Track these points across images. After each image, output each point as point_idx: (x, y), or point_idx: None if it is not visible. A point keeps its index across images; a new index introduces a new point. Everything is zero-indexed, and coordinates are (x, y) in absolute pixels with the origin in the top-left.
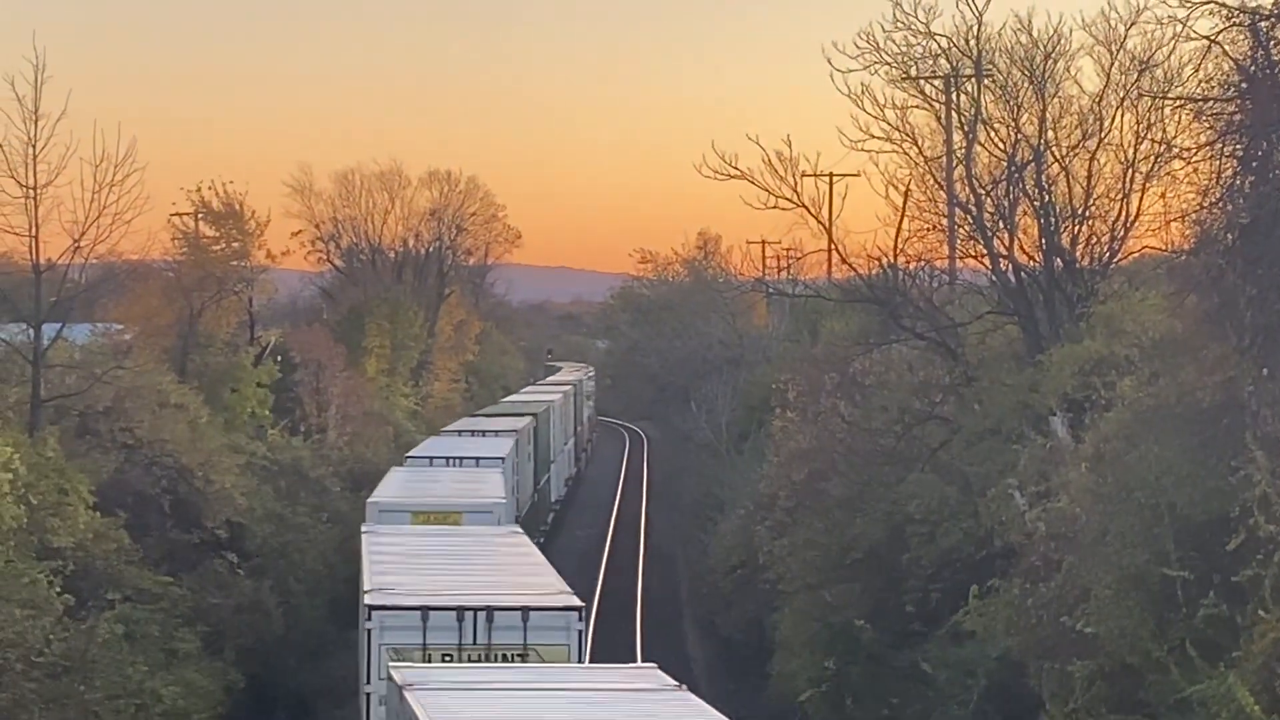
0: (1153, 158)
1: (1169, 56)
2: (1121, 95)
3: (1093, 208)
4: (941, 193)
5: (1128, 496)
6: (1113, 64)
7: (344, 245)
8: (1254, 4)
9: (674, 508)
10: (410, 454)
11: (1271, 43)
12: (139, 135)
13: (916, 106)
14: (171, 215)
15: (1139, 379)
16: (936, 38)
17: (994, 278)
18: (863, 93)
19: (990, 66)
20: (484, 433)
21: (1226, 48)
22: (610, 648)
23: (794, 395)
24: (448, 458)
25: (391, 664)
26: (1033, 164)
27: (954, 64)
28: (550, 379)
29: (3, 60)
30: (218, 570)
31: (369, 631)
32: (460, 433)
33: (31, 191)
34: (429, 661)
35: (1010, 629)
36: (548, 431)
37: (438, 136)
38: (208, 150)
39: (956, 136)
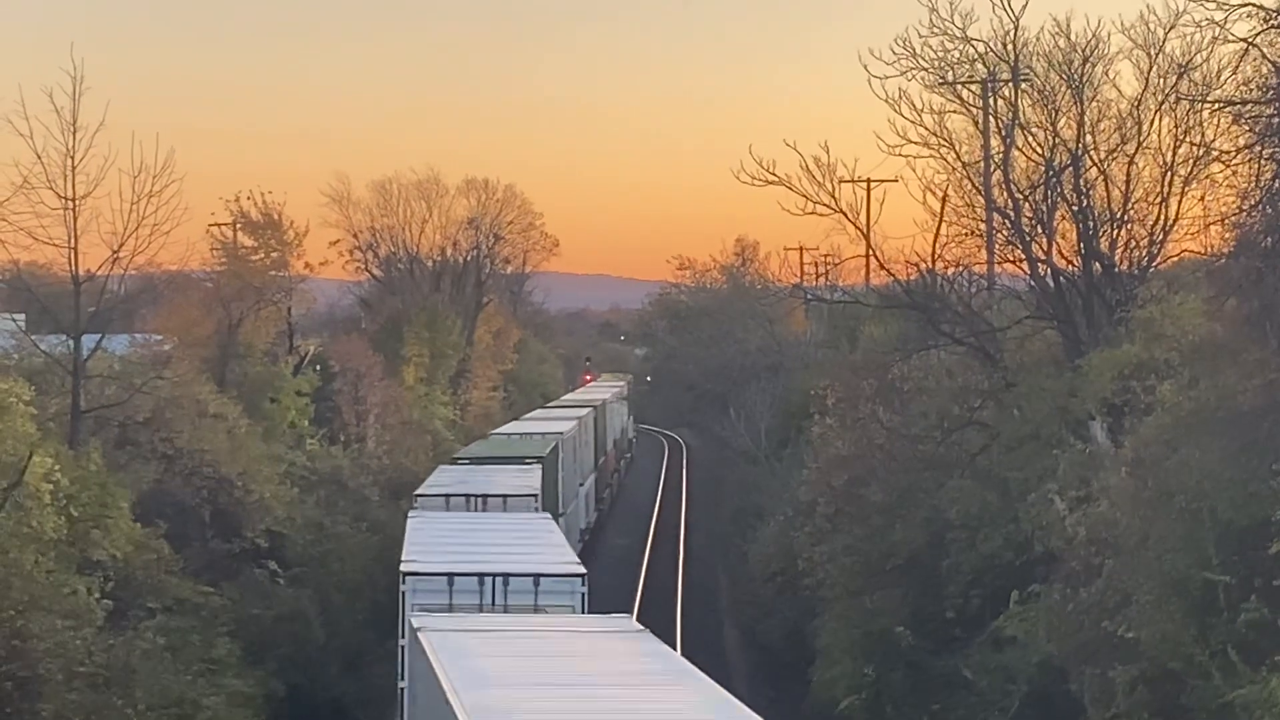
0: (1191, 161)
1: (1207, 59)
2: (1160, 99)
3: (1131, 212)
4: (979, 197)
5: (1168, 501)
6: (1151, 67)
7: (382, 254)
8: None
9: (715, 523)
10: (411, 563)
11: None
12: (177, 146)
13: (954, 111)
14: (210, 226)
15: (1179, 383)
16: (973, 43)
17: (1032, 282)
18: (900, 98)
19: (1027, 71)
20: (485, 500)
21: (1265, 50)
22: None
23: (833, 401)
24: (483, 574)
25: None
26: (1071, 168)
27: (991, 69)
28: (569, 396)
29: (41, 72)
30: (258, 580)
31: None
32: (449, 499)
33: (70, 203)
34: None
35: (1051, 634)
36: (554, 476)
37: (475, 145)
38: (245, 161)
39: (994, 141)
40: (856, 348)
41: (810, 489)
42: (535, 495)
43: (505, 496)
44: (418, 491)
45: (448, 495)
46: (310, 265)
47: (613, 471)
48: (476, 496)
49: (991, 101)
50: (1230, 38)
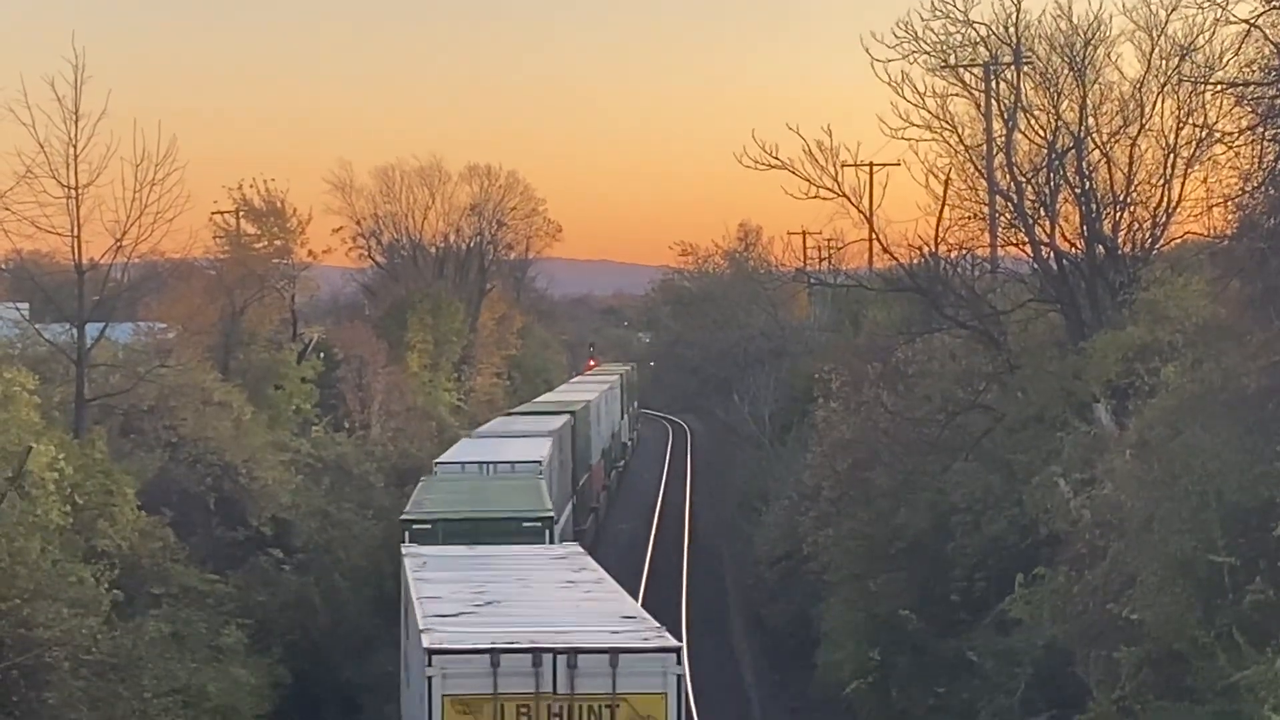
0: (1194, 143)
1: (1209, 41)
2: (1162, 81)
3: (1134, 194)
4: (982, 181)
5: (1173, 483)
6: (1153, 49)
7: (385, 241)
8: None
9: (721, 511)
10: None
11: None
12: (179, 133)
13: (956, 95)
14: (213, 213)
15: (1183, 365)
16: (975, 25)
17: (1036, 265)
18: (902, 81)
19: (1030, 54)
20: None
21: (1267, 31)
22: None
23: (837, 385)
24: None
25: None
26: (1073, 151)
27: (993, 52)
28: (545, 397)
29: (43, 61)
30: (263, 567)
31: None
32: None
33: (73, 191)
34: None
35: (1056, 617)
36: None
37: (477, 131)
38: (248, 148)
39: (996, 124)
40: (860, 332)
41: (814, 473)
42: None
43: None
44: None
45: (429, 586)
46: (313, 252)
47: (599, 490)
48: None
49: (994, 84)
50: (1232, 19)
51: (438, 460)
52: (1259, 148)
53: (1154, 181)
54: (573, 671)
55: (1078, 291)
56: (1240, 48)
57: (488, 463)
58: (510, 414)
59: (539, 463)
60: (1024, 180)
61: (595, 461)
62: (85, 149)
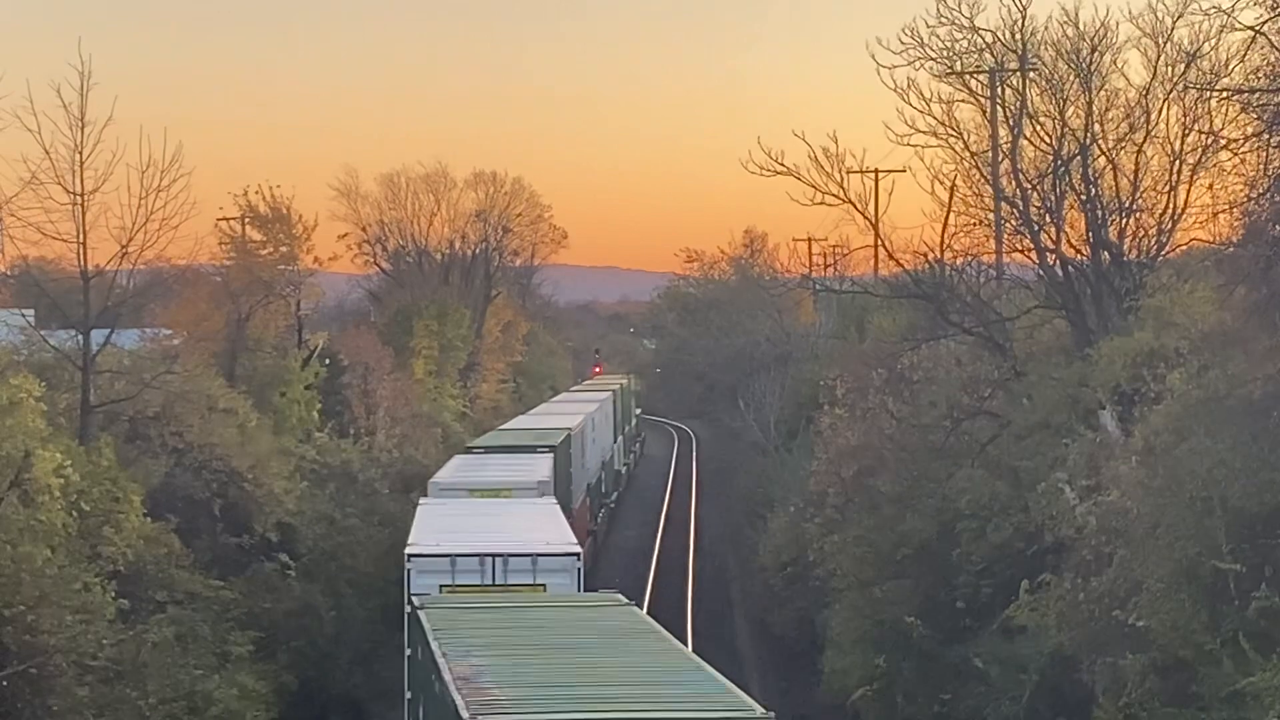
0: (1200, 149)
1: (1215, 48)
2: (1168, 87)
3: (1140, 200)
4: (987, 187)
5: (1179, 489)
6: (1159, 56)
7: (390, 248)
8: None
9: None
10: None
11: None
12: (185, 140)
13: (962, 101)
14: (219, 220)
15: (1188, 371)
16: (981, 32)
17: (1041, 272)
18: (908, 87)
19: (1035, 60)
20: None
21: (1272, 38)
22: None
23: (842, 392)
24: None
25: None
26: (1079, 157)
27: (999, 58)
28: (521, 421)
29: (49, 67)
30: (269, 573)
31: None
32: None
33: (79, 198)
34: None
35: (1062, 624)
36: None
37: (483, 138)
38: (253, 154)
39: (1002, 131)
40: (865, 338)
41: (820, 479)
42: None
43: None
44: None
45: None
46: (319, 259)
47: (582, 541)
48: None
49: (999, 91)
50: (1238, 25)
51: (412, 550)
52: (1265, 154)
53: (1159, 188)
54: None
55: (1083, 298)
56: (1246, 54)
57: (493, 555)
58: (471, 450)
59: (576, 556)
60: (1029, 187)
61: (578, 504)
62: (91, 155)
